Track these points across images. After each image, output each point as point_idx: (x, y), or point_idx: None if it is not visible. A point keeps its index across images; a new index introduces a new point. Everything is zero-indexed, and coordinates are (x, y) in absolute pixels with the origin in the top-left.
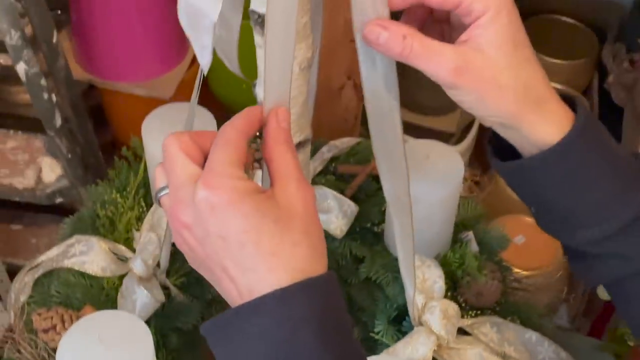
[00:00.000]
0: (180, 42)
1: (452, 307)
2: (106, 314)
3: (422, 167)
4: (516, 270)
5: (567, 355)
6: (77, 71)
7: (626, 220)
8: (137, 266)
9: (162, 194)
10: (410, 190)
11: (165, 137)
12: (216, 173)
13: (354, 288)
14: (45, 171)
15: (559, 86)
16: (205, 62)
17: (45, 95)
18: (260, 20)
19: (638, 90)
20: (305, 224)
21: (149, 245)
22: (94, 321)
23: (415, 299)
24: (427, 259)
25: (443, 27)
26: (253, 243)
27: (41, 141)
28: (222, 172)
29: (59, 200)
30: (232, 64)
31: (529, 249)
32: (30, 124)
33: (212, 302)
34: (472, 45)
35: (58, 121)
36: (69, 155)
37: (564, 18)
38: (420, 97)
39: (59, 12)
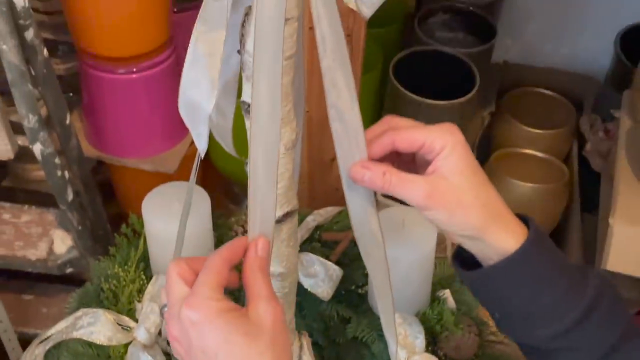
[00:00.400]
0: (179, 120)
1: None
2: None
3: (400, 231)
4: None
5: None
6: (87, 148)
7: (576, 318)
8: (141, 334)
9: (164, 310)
10: (389, 253)
11: (170, 265)
12: (197, 295)
13: (342, 347)
14: (57, 243)
15: (540, 154)
16: (201, 147)
17: (59, 172)
18: (250, 109)
19: (612, 157)
20: (271, 337)
21: (150, 314)
22: None
23: (398, 354)
24: (408, 316)
25: (409, 166)
26: (225, 354)
27: (53, 215)
28: (202, 294)
29: (69, 270)
30: (228, 146)
31: None
32: (43, 199)
33: None
34: (437, 175)
35: (70, 196)
36: (79, 228)
37: (544, 91)
38: None
39: (71, 94)
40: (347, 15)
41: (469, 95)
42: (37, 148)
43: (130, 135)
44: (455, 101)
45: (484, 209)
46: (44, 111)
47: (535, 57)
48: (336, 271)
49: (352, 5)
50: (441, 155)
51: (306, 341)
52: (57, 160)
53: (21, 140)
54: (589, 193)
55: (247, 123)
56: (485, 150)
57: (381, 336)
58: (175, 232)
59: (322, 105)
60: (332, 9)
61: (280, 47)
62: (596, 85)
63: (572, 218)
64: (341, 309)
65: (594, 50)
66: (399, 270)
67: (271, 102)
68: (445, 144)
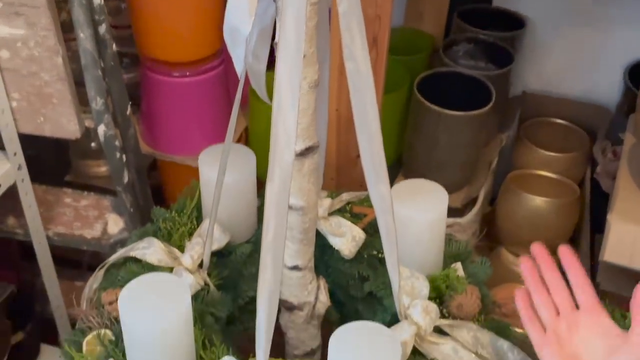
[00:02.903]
0: (225, 124)
1: (432, 306)
2: (157, 276)
3: (414, 196)
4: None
5: None
6: (143, 146)
7: None
8: (186, 259)
9: None
10: (403, 212)
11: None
12: None
13: (360, 302)
14: (110, 225)
15: (554, 175)
16: (239, 69)
17: (118, 154)
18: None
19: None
20: None
21: (196, 245)
22: (150, 277)
23: (402, 300)
24: (416, 272)
25: None
26: None
27: (109, 201)
28: None
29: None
30: (261, 91)
31: None
32: (99, 191)
33: (242, 308)
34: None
35: (125, 178)
36: (131, 210)
37: (560, 120)
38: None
39: (130, 103)
40: (373, 21)
41: (484, 109)
42: (101, 129)
43: (179, 134)
44: (471, 113)
45: None
46: (109, 100)
47: (552, 88)
48: (360, 234)
49: None
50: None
51: (323, 282)
52: (117, 143)
53: (88, 122)
54: (599, 215)
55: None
56: (503, 171)
57: None
58: (225, 182)
59: (350, 105)
60: None
61: None
62: (608, 114)
63: (582, 236)
64: (361, 269)
65: (605, 83)
66: (410, 229)
67: (296, 39)
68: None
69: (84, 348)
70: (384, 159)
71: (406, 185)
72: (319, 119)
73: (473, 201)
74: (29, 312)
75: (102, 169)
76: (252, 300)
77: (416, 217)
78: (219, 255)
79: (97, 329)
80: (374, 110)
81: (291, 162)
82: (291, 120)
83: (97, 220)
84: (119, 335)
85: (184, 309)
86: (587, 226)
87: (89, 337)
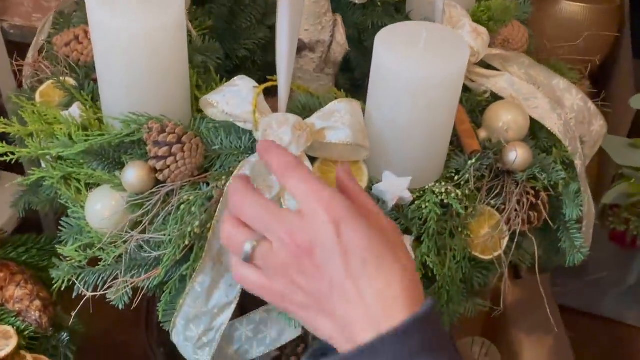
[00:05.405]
0: None
1: (482, 28)
2: None
3: None
4: None
5: (594, 109)
6: None
7: None
8: None
9: None
10: None
11: None
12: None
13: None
14: None
15: None
16: None
17: None
18: None
19: None
20: None
21: None
22: None
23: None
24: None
25: None
26: None
27: None
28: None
29: None
30: None
31: None
32: None
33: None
34: None
35: None
36: None
37: None
38: None
39: None
40: None
41: None
42: None
43: None
44: None
45: None
46: None
47: None
48: None
49: None
50: None
51: (340, 19)
52: None
53: None
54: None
55: None
56: None
57: None
58: None
59: None
60: None
61: None
62: None
63: (621, 54)
64: (376, 17)
65: None
66: None
67: None
68: None
69: (38, 100)
70: None
71: None
72: None
73: None
74: None
75: None
76: (242, 63)
77: None
78: (199, 3)
79: (52, 77)
80: None
81: None
82: None
83: None
84: (82, 82)
85: (177, 9)
86: (627, 45)
87: (43, 87)
